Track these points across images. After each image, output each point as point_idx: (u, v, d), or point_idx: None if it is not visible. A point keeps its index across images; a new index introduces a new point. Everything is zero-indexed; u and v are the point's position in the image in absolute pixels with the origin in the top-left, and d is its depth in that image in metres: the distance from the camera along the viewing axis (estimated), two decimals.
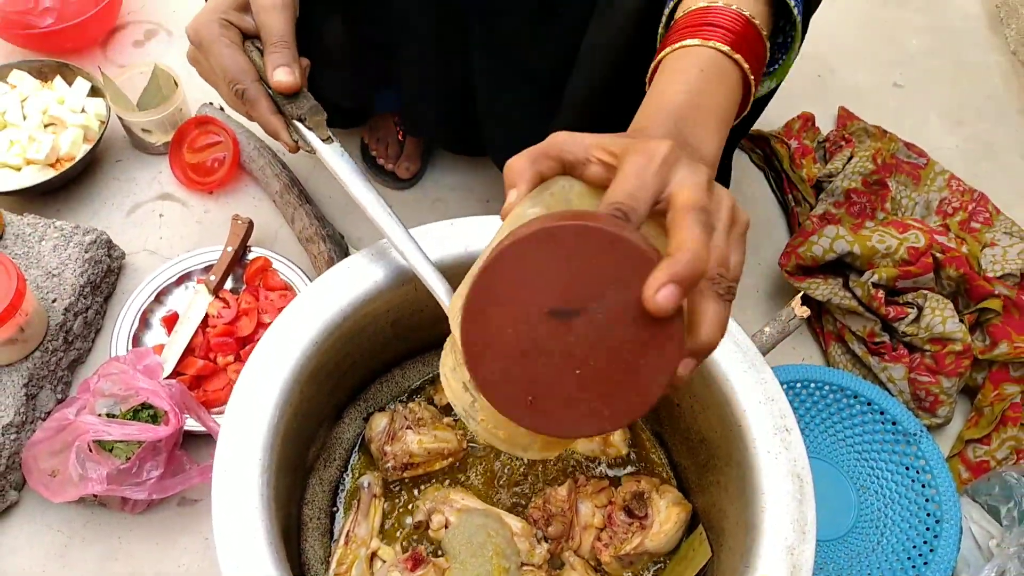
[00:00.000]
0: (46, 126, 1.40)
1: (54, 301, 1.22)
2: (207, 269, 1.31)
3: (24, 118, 1.39)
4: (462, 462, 0.77)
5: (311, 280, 1.26)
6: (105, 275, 1.31)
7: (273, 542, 0.55)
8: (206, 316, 1.26)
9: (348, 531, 0.71)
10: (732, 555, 0.63)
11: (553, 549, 0.72)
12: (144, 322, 1.30)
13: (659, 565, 0.74)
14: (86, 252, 1.26)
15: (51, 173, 1.37)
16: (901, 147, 1.60)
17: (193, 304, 1.28)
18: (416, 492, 0.76)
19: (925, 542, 1.15)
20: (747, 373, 0.67)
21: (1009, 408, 1.33)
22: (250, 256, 1.33)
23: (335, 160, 0.66)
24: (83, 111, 1.41)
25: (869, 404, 1.25)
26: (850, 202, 1.50)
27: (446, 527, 0.70)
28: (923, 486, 1.20)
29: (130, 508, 1.15)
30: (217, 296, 1.27)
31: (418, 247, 0.62)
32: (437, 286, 0.61)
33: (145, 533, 1.17)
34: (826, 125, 1.62)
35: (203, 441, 1.21)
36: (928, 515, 1.16)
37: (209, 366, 1.26)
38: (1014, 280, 1.45)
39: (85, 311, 1.27)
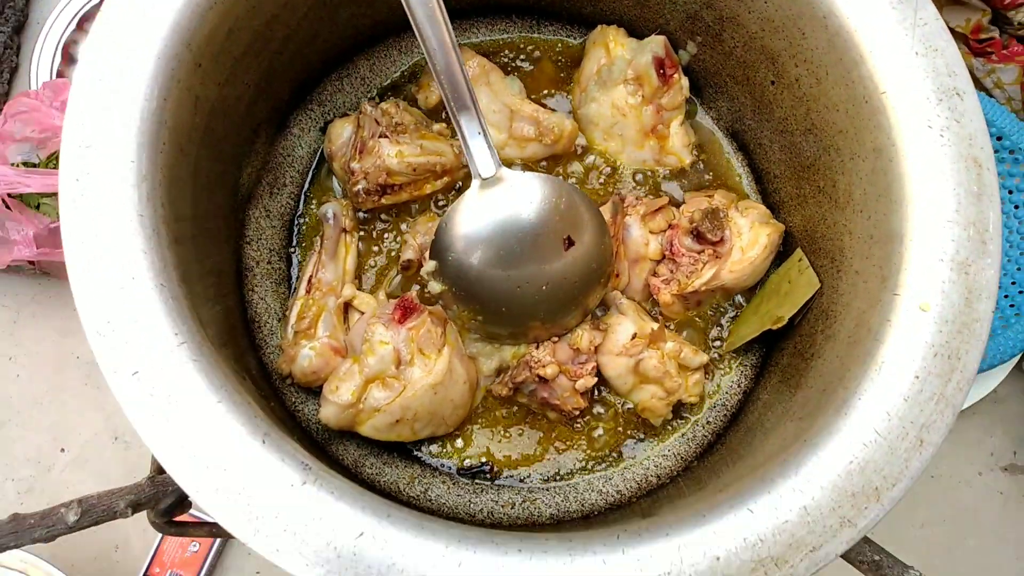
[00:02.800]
0: None
1: None
2: None
3: None
4: (462, 183, 0.56)
5: None
6: None
7: (167, 285, 0.35)
8: None
9: (310, 276, 0.52)
10: (862, 281, 0.43)
11: None
12: (67, 56, 1.09)
13: (736, 305, 0.55)
14: None
15: None
16: None
17: None
18: (403, 226, 0.55)
19: None
20: (894, 9, 0.43)
21: None
22: None
23: None
24: None
25: None
26: None
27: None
28: None
29: None
30: None
31: None
32: None
33: None
34: None
35: None
36: None
37: None
38: None
39: None
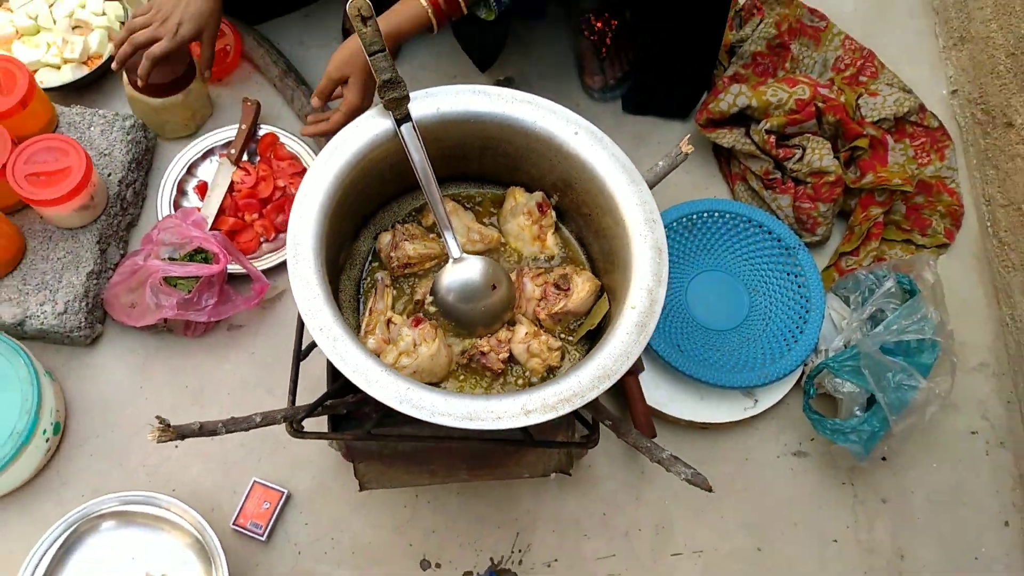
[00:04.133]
0: (73, 28, 1.62)
1: (109, 175, 1.51)
2: (227, 145, 1.59)
3: (54, 22, 1.62)
4: (445, 262, 1.11)
5: (313, 151, 1.56)
6: (144, 153, 1.59)
7: (327, 298, 0.89)
8: (231, 183, 1.55)
9: (371, 307, 1.06)
10: (619, 304, 0.98)
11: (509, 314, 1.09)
12: (180, 191, 1.59)
13: (579, 321, 1.10)
14: (128, 134, 1.54)
15: (86, 70, 1.62)
16: (805, 12, 1.84)
17: (219, 174, 1.57)
18: (414, 282, 1.10)
19: (797, 326, 1.52)
20: (629, 186, 1.00)
21: (873, 226, 1.67)
22: (261, 132, 1.60)
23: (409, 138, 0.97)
24: (103, 14, 1.64)
25: (761, 227, 1.58)
26: (755, 63, 1.77)
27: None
28: (799, 286, 1.55)
29: (191, 332, 1.49)
30: (238, 166, 1.56)
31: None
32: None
33: (203, 352, 1.51)
34: None
35: (242, 280, 1.54)
36: (801, 307, 1.52)
37: (239, 223, 1.56)
38: (889, 124, 1.76)
39: (133, 183, 1.56)
